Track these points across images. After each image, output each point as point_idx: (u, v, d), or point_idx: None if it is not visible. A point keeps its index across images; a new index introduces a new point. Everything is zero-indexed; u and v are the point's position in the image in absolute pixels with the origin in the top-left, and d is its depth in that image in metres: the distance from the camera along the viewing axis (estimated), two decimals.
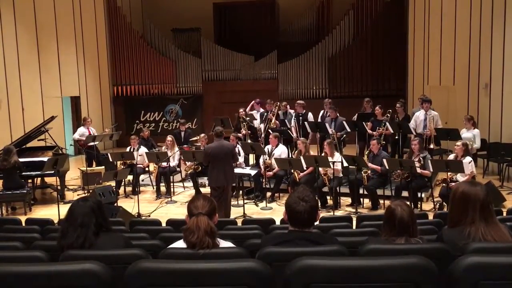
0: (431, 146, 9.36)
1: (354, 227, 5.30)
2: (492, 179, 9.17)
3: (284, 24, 17.03)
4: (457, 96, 12.08)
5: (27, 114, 12.69)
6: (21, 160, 8.78)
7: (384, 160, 7.98)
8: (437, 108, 10.65)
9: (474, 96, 11.28)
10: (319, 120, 10.81)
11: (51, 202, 9.19)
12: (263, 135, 10.73)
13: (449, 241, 2.64)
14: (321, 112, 11.08)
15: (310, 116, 10.76)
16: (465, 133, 9.17)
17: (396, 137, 9.80)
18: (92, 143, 10.73)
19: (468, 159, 7.60)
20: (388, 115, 9.92)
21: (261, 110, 11.29)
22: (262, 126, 10.93)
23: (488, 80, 10.59)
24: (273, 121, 10.74)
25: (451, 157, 7.98)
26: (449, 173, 7.58)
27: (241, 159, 9.56)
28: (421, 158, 7.87)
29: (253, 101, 11.82)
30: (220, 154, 7.39)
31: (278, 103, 11.33)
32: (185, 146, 11.10)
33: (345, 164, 8.43)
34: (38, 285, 1.83)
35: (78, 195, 9.78)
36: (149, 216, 8.25)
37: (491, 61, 10.46)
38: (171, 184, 9.60)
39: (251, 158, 10.66)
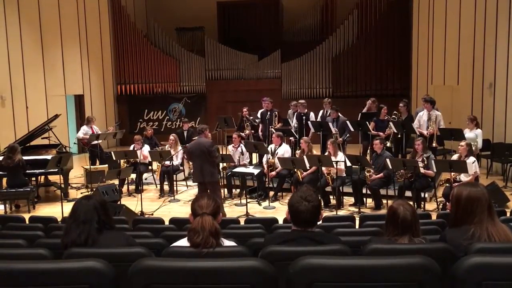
0: (434, 144, 9.33)
1: (357, 226, 5.29)
2: (495, 179, 9.14)
3: (288, 24, 17.02)
4: (461, 96, 12.04)
5: (31, 113, 12.73)
6: (25, 158, 8.80)
7: (388, 160, 7.96)
8: (440, 108, 10.61)
9: (478, 96, 11.25)
10: (318, 119, 10.77)
11: (55, 200, 9.22)
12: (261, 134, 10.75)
13: (452, 241, 2.64)
14: (321, 111, 11.04)
15: (312, 115, 10.74)
16: (468, 133, 9.14)
17: (399, 136, 9.77)
18: (95, 142, 10.76)
19: (471, 159, 7.58)
20: (395, 116, 9.88)
21: (261, 109, 11.23)
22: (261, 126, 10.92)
23: (493, 80, 10.56)
24: (278, 125, 10.71)
25: (455, 157, 7.96)
26: (452, 173, 7.56)
27: (246, 158, 9.56)
28: (424, 158, 7.86)
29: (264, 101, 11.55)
30: (196, 151, 7.61)
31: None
32: (188, 145, 11.11)
33: (348, 163, 8.42)
34: (42, 282, 1.83)
35: (81, 193, 9.81)
36: (152, 214, 8.27)
37: (495, 60, 10.42)
38: (174, 182, 9.61)
39: (254, 157, 10.66)
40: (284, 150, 9.19)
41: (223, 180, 9.28)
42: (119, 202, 8.06)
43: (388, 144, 9.51)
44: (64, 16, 14.02)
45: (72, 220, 2.93)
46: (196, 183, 9.40)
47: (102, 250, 2.68)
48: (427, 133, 9.42)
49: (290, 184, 9.03)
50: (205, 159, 7.52)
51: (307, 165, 8.30)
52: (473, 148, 8.43)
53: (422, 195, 8.12)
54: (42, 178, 9.96)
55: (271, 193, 9.04)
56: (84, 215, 2.91)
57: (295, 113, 10.81)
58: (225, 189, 9.24)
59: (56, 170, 8.61)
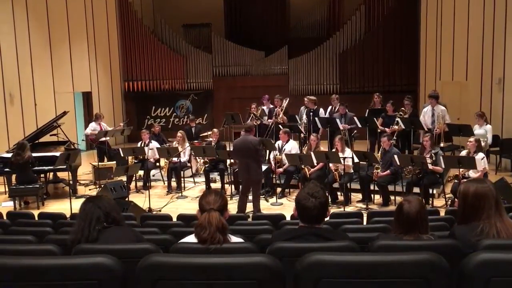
0: (441, 144, 9.26)
1: (364, 223, 5.28)
2: (504, 175, 9.06)
3: (295, 20, 16.98)
4: (470, 91, 11.95)
5: (39, 110, 12.81)
6: (34, 155, 8.87)
7: (395, 156, 7.93)
8: (449, 103, 10.54)
9: (487, 92, 11.15)
10: (326, 116, 10.75)
11: (63, 197, 9.28)
12: (269, 130, 10.75)
13: (461, 237, 2.62)
14: (329, 108, 11.03)
15: (322, 112, 10.72)
16: (477, 130, 9.08)
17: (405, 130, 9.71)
18: (103, 138, 10.81)
19: (480, 155, 7.52)
20: (402, 113, 9.82)
21: (271, 106, 11.28)
22: (270, 121, 10.95)
23: (502, 75, 10.46)
24: (280, 116, 10.72)
25: (463, 153, 7.91)
26: (461, 170, 7.52)
27: None
28: (432, 154, 7.81)
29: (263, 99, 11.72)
30: (243, 149, 7.51)
31: (288, 98, 11.31)
32: (196, 141, 11.14)
33: (356, 160, 8.40)
34: (51, 278, 1.85)
35: (89, 189, 9.88)
36: (159, 211, 8.30)
37: (504, 56, 10.32)
38: (182, 179, 9.63)
39: None
40: (291, 147, 9.18)
41: (230, 176, 9.30)
42: (127, 199, 8.10)
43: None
44: (72, 13, 14.08)
45: (77, 219, 3.00)
46: (197, 181, 9.44)
47: (111, 246, 2.69)
48: (434, 133, 9.33)
49: (297, 180, 9.03)
50: (251, 157, 7.44)
51: (315, 161, 8.29)
52: (483, 144, 8.37)
53: (430, 191, 8.07)
54: (50, 175, 10.03)
55: (279, 189, 9.04)
56: (85, 213, 2.96)
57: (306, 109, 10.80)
58: (232, 185, 9.25)
59: (65, 167, 8.66)
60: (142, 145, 10.13)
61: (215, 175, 9.98)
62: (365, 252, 2.60)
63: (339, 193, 8.51)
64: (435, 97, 9.73)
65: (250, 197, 7.78)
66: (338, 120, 10.01)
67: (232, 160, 9.07)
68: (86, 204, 3.03)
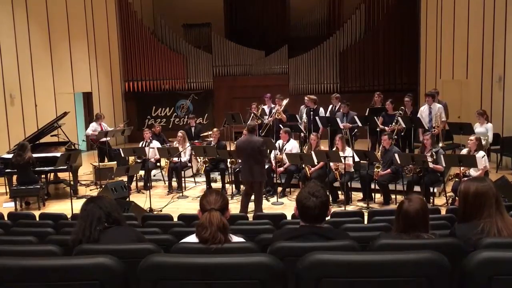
0: (440, 144, 9.24)
1: (365, 222, 5.28)
2: (505, 173, 9.06)
3: (295, 19, 16.98)
4: (470, 90, 11.94)
5: (40, 110, 12.81)
6: (35, 155, 8.88)
7: (396, 155, 7.93)
8: (449, 102, 10.51)
9: (488, 90, 11.15)
10: (327, 115, 10.75)
11: (64, 197, 9.29)
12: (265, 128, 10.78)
13: (462, 236, 2.62)
14: (330, 107, 11.02)
15: (322, 111, 10.72)
16: (478, 128, 9.08)
17: (403, 133, 9.71)
18: (104, 139, 10.82)
19: (481, 153, 7.52)
20: (401, 112, 9.82)
21: (272, 105, 11.28)
22: (270, 120, 10.98)
23: (502, 74, 10.46)
24: (279, 111, 10.73)
25: (464, 151, 7.91)
26: (462, 168, 7.52)
27: None
28: (433, 153, 7.81)
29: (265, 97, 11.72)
30: (246, 149, 7.47)
31: (288, 98, 11.33)
32: (196, 141, 11.14)
33: (357, 159, 8.40)
34: (52, 278, 1.85)
35: (90, 190, 9.89)
36: (160, 211, 8.30)
37: (504, 54, 10.32)
38: (183, 179, 9.64)
39: None
40: (292, 146, 9.18)
41: (231, 176, 9.30)
42: (127, 199, 8.10)
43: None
44: (72, 13, 14.08)
45: (78, 220, 3.01)
46: (198, 181, 9.42)
47: (112, 246, 2.70)
48: (432, 132, 9.31)
49: (298, 180, 9.02)
50: (255, 158, 7.41)
51: (315, 160, 8.29)
52: (484, 142, 8.37)
53: (431, 190, 8.07)
54: (51, 175, 10.04)
55: (279, 189, 9.04)
56: (86, 214, 2.97)
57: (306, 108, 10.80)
58: (233, 185, 9.26)
59: (66, 167, 8.67)
60: (144, 144, 10.15)
61: (215, 175, 9.98)
62: (366, 251, 2.59)
63: (340, 192, 8.51)
64: (432, 95, 9.74)
65: (252, 197, 7.76)
66: (339, 119, 10.01)
67: (232, 160, 9.07)
68: (87, 205, 3.04)
